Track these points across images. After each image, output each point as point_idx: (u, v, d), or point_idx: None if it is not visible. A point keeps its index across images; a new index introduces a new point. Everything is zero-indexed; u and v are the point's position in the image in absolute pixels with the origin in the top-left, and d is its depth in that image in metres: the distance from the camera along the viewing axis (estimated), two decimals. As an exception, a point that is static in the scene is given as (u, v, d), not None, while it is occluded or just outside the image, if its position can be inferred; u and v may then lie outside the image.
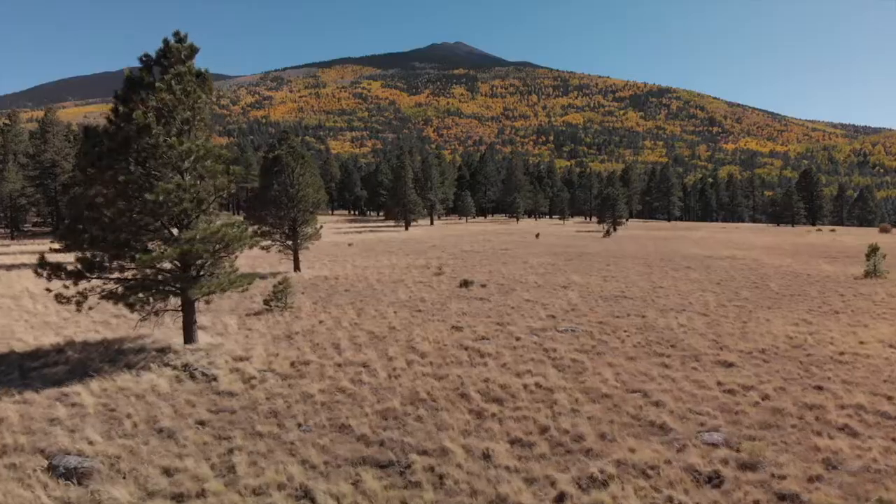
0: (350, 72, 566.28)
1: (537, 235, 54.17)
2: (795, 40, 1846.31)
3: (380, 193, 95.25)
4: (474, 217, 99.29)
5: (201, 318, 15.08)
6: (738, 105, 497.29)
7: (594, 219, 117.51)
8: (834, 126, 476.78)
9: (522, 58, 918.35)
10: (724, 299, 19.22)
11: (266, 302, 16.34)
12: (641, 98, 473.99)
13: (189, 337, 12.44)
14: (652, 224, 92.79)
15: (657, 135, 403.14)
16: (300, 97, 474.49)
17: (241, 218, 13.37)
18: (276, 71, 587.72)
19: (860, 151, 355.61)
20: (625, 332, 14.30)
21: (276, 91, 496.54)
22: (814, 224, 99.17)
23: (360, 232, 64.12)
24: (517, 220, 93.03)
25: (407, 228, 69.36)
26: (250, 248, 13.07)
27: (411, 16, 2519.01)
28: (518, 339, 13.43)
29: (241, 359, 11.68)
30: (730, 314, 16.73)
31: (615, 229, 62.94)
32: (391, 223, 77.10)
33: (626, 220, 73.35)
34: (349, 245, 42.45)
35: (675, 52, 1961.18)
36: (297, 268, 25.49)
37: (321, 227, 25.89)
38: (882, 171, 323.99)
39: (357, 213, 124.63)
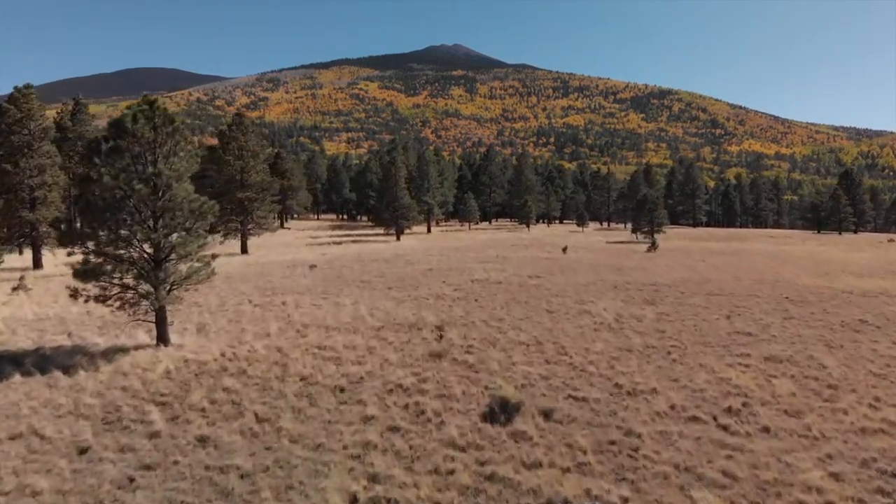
0: (347, 73, 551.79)
1: (564, 250, 41.77)
2: (795, 42, 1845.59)
3: (369, 195, 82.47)
4: (477, 223, 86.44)
5: None
6: (741, 107, 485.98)
7: (610, 224, 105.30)
8: (836, 129, 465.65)
9: (521, 60, 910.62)
10: None
11: None
12: (643, 100, 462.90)
13: None
14: (682, 232, 79.76)
15: (660, 137, 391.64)
16: (296, 98, 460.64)
17: None
18: (272, 72, 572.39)
19: (867, 154, 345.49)
20: None
21: (272, 92, 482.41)
22: (856, 231, 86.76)
23: (339, 242, 51.59)
24: (528, 226, 79.91)
25: (399, 238, 56.95)
26: None
27: (409, 18, 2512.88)
28: None
29: None
30: None
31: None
32: (381, 231, 64.15)
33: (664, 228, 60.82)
34: (311, 268, 29.89)
35: (676, 53, 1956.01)
36: (161, 338, 13.07)
37: (219, 241, 13.56)
38: (891, 173, 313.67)
39: (345, 217, 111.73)
